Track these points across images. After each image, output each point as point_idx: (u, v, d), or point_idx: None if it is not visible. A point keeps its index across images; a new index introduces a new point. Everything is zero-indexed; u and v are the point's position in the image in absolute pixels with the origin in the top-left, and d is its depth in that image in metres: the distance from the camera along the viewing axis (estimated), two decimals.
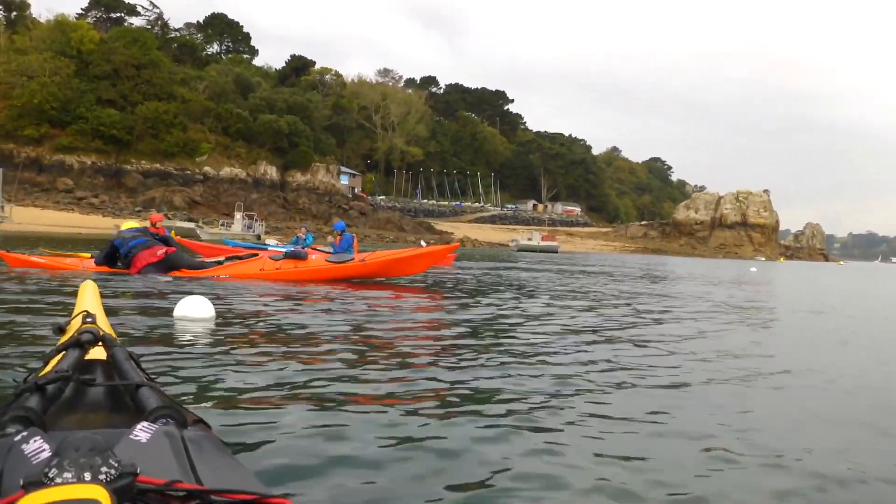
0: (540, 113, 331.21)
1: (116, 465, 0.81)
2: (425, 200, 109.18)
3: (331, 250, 11.01)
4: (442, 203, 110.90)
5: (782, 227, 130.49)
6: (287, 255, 10.21)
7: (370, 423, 2.83)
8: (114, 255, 10.14)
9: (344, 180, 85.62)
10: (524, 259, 34.13)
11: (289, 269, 9.95)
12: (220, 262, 10.36)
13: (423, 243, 13.68)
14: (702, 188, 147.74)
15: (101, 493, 0.73)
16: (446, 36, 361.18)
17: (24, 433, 1.01)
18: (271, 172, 73.59)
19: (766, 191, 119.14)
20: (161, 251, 10.02)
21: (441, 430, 2.81)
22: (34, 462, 0.91)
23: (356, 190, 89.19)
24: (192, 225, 42.49)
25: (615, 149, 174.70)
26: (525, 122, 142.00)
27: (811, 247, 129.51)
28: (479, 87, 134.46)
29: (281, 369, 3.80)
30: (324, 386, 3.43)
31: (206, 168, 69.20)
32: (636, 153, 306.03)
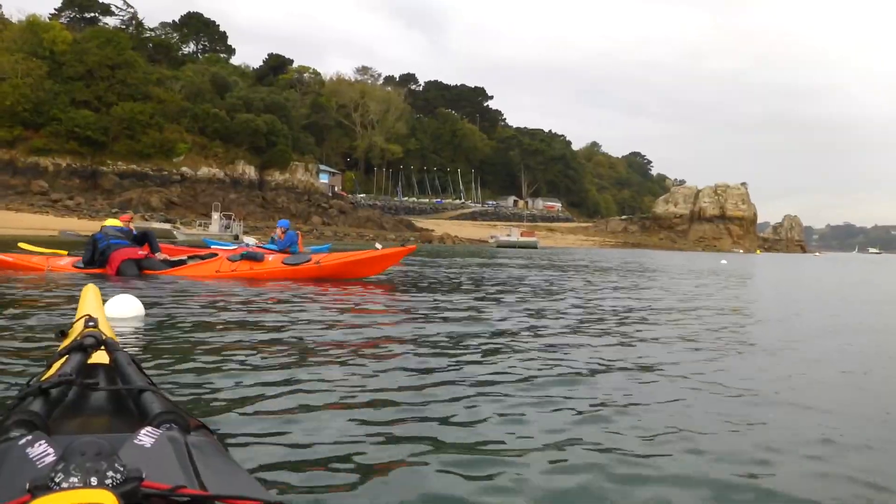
0: (520, 109, 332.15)
1: (122, 469, 0.81)
2: (406, 198, 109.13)
3: (274, 247, 11.03)
4: (423, 200, 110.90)
5: (761, 219, 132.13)
6: (244, 257, 10.25)
7: (338, 420, 2.85)
8: (91, 256, 10.10)
9: (324, 179, 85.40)
10: (502, 255, 34.24)
11: (244, 270, 10.00)
12: (182, 262, 10.37)
13: (377, 245, 13.72)
14: (681, 182, 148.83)
15: (109, 498, 0.73)
16: (426, 33, 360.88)
17: (29, 437, 1.00)
18: (249, 172, 73.22)
19: (743, 184, 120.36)
20: (142, 252, 10.09)
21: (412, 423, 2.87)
22: (39, 466, 0.90)
23: (336, 188, 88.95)
24: (168, 226, 42.20)
25: (595, 144, 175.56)
26: (505, 119, 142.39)
27: (789, 239, 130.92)
28: (459, 84, 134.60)
29: (217, 367, 3.82)
30: (276, 386, 3.43)
31: (184, 168, 68.70)
32: (616, 148, 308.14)
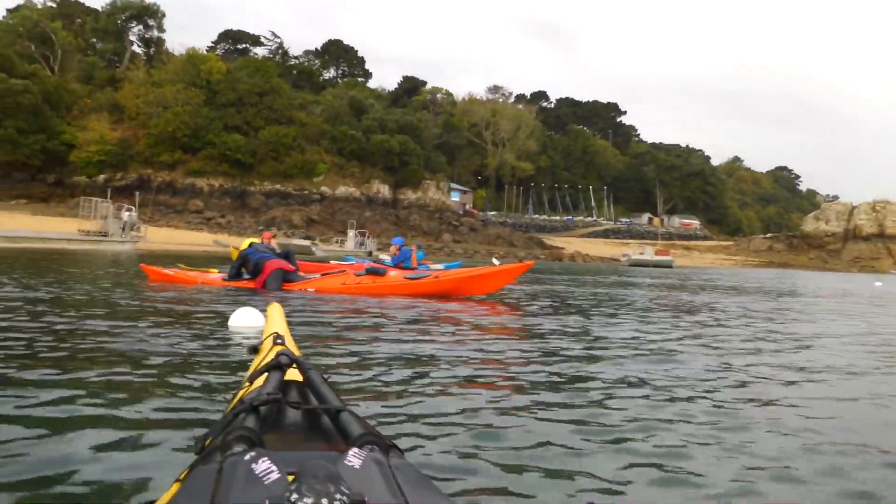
0: (655, 125, 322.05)
1: (347, 493, 0.83)
2: (536, 215, 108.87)
3: (389, 262, 11.45)
4: (553, 218, 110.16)
5: None
6: (368, 272, 10.69)
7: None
8: (239, 269, 10.92)
9: (455, 197, 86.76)
10: (634, 274, 33.33)
11: (368, 285, 10.41)
12: (313, 277, 10.99)
13: (495, 261, 13.71)
14: (834, 198, 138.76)
15: None
16: (559, 50, 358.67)
17: (252, 453, 1.03)
18: (383, 190, 75.72)
19: None
20: (290, 267, 10.82)
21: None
22: (266, 483, 0.93)
23: (467, 206, 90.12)
24: (307, 242, 44.43)
25: (737, 159, 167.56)
26: (639, 134, 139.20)
27: None
28: (591, 100, 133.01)
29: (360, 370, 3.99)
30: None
31: (323, 188, 72.17)
32: (760, 163, 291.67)
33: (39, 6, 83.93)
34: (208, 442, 1.26)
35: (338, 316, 7.33)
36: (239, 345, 4.93)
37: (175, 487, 1.17)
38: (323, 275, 11.29)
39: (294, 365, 1.70)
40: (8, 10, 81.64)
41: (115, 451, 2.45)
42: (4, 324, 5.42)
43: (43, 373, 3.62)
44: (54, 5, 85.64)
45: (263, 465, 0.98)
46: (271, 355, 1.85)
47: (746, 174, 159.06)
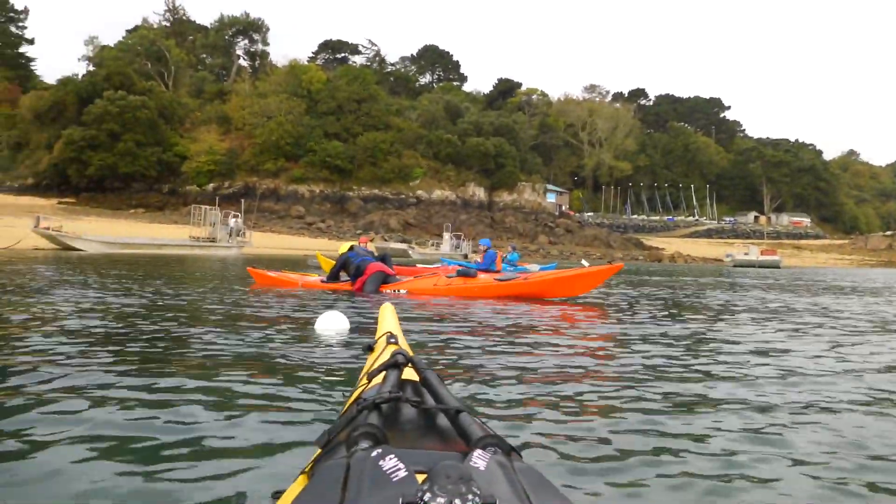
0: (762, 120, 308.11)
1: (478, 493, 0.83)
2: (635, 216, 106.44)
3: (474, 266, 11.54)
4: (653, 218, 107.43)
5: None
6: (459, 274, 10.85)
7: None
8: (339, 271, 11.35)
9: (551, 198, 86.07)
10: (738, 275, 32.03)
11: (458, 286, 10.54)
12: (407, 280, 11.26)
13: (583, 262, 13.55)
14: None
15: None
16: (656, 44, 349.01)
17: (380, 450, 1.05)
18: (479, 193, 76.05)
19: None
20: (390, 270, 11.16)
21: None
22: (394, 480, 0.95)
23: (563, 207, 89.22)
24: (404, 246, 45.18)
25: (852, 152, 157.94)
26: (744, 129, 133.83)
27: None
28: (692, 96, 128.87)
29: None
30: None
31: (419, 192, 73.24)
32: (879, 156, 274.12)
33: (155, 26, 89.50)
34: (333, 437, 1.29)
35: (431, 316, 7.45)
36: (322, 346, 5.10)
37: (302, 480, 1.19)
38: (416, 277, 11.51)
39: (409, 364, 1.74)
40: (127, 31, 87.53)
41: (209, 443, 2.59)
42: (128, 322, 5.84)
43: (156, 369, 3.88)
44: (168, 24, 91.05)
45: (391, 463, 0.99)
46: (386, 354, 1.90)
47: (863, 168, 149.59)
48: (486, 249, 12.43)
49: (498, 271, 12.23)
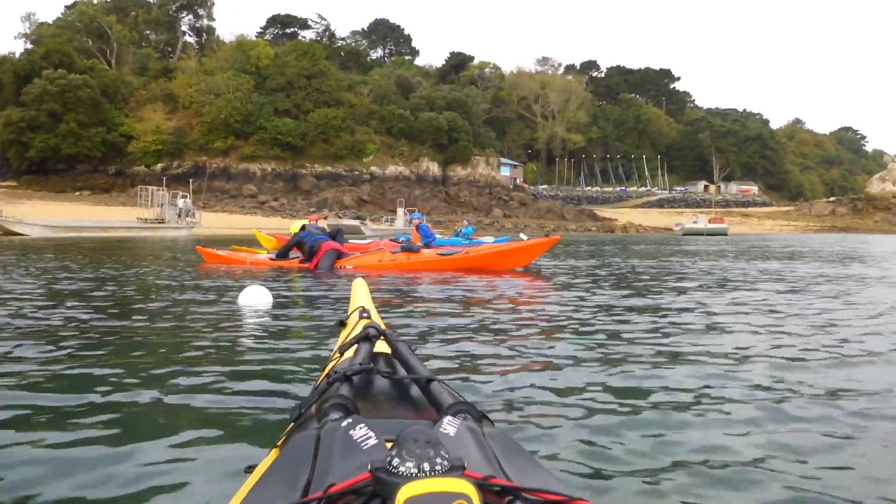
0: (711, 89, 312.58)
1: (447, 457, 0.83)
2: (588, 188, 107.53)
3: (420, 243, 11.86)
4: (606, 189, 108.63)
5: None
6: (403, 249, 11.07)
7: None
8: (289, 250, 11.37)
9: (505, 171, 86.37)
10: (685, 243, 32.84)
11: (402, 261, 10.76)
12: (354, 255, 11.39)
13: (522, 236, 14.01)
14: None
15: (470, 489, 0.76)
16: (607, 17, 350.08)
17: (349, 420, 1.06)
18: (433, 168, 75.93)
19: None
20: (342, 247, 11.24)
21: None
22: (363, 448, 0.95)
23: (517, 180, 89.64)
24: (357, 222, 45.05)
25: (798, 121, 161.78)
26: (693, 100, 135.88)
27: None
28: (643, 68, 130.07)
29: None
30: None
31: (373, 168, 72.78)
32: (823, 124, 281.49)
33: (95, 1, 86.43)
34: (305, 410, 1.31)
35: (384, 291, 7.61)
36: (246, 320, 5.19)
37: (274, 453, 1.20)
38: (362, 253, 11.64)
39: (382, 337, 1.76)
40: (66, 7, 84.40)
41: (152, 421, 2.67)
42: (75, 303, 5.82)
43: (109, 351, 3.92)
44: (109, 0, 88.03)
45: (361, 432, 1.00)
46: (359, 328, 1.92)
47: (808, 136, 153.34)
48: (418, 223, 12.58)
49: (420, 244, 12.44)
